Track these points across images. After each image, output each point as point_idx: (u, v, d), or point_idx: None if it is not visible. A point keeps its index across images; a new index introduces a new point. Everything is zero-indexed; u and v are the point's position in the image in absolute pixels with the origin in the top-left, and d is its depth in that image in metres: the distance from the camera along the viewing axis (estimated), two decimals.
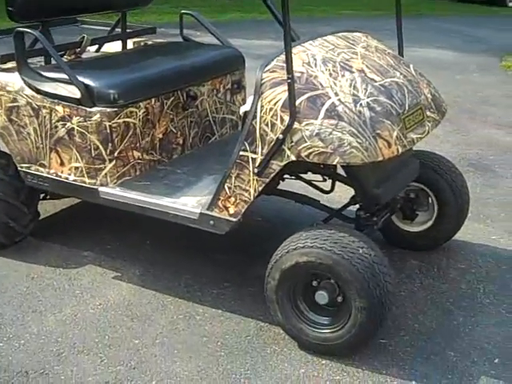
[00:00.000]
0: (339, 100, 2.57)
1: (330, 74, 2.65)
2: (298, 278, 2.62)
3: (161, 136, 3.25)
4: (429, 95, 2.99)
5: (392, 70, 2.91)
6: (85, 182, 3.07)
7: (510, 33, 11.02)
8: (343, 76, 2.68)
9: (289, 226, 3.60)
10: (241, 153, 2.66)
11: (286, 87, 2.53)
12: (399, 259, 3.37)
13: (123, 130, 3.03)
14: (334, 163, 2.55)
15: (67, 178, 3.11)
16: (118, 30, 3.89)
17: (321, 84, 2.59)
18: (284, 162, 2.58)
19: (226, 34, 4.00)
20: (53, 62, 3.35)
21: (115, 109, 2.98)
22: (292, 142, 2.54)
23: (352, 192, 3.10)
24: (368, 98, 2.64)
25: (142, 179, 3.12)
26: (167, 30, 8.31)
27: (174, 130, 3.33)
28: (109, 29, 3.92)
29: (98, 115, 2.97)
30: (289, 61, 2.47)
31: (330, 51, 2.82)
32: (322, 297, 2.60)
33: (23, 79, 3.11)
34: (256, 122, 2.60)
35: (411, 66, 3.10)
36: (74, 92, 2.99)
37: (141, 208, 2.96)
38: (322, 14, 12.60)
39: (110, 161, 3.02)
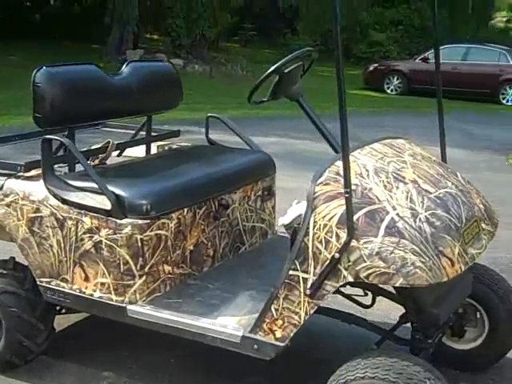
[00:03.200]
0: (398, 215, 2.38)
1: (385, 186, 2.48)
2: None
3: (192, 248, 3.04)
4: (481, 205, 2.82)
5: (443, 179, 2.75)
6: (112, 300, 2.82)
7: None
8: (397, 188, 2.51)
9: (331, 344, 3.35)
10: (290, 272, 2.44)
11: (341, 201, 2.35)
12: (449, 380, 3.09)
13: (155, 244, 2.82)
14: (397, 285, 2.33)
15: (92, 295, 2.86)
16: (142, 132, 3.74)
17: (377, 197, 2.41)
18: (340, 283, 2.36)
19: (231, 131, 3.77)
20: (77, 168, 3.18)
21: (147, 221, 2.78)
22: (349, 261, 2.33)
23: (396, 307, 2.88)
24: (426, 211, 2.46)
25: (173, 296, 2.88)
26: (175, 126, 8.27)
27: (204, 240, 3.12)
28: (131, 131, 3.78)
29: (129, 228, 2.76)
30: (346, 173, 2.30)
31: (380, 160, 2.66)
32: None
33: (48, 188, 2.92)
34: (308, 239, 2.40)
35: (458, 173, 2.95)
36: (103, 202, 2.79)
37: (174, 329, 2.71)
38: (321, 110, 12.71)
39: (140, 276, 2.79)
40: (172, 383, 3.09)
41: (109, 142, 3.42)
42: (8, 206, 2.99)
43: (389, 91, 17.16)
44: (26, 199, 2.95)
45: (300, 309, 2.44)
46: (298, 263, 2.42)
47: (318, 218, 2.38)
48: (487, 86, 15.55)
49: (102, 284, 2.84)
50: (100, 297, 2.85)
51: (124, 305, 2.80)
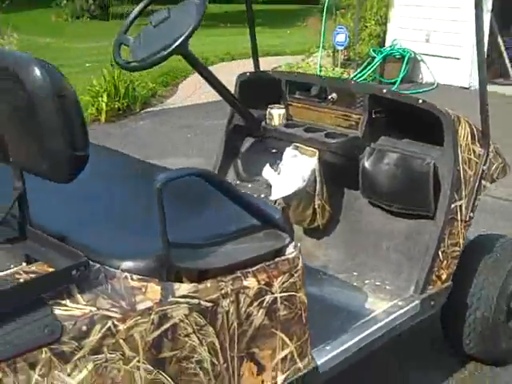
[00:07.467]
0: None
1: None
2: None
3: None
4: None
5: None
6: (299, 369, 1.86)
7: None
8: None
9: None
10: (452, 205, 2.31)
11: (464, 118, 2.37)
12: None
13: None
14: None
15: None
16: None
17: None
18: (481, 195, 2.44)
19: None
20: None
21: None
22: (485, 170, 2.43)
23: None
24: None
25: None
26: None
27: None
28: None
29: (296, 252, 1.83)
30: (484, 82, 2.32)
31: None
32: None
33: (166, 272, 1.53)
34: (459, 166, 2.32)
35: None
36: (270, 236, 1.75)
37: (369, 345, 2.12)
38: None
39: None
40: None
41: None
42: (99, 346, 1.40)
43: None
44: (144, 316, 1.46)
45: (459, 237, 2.38)
46: (455, 194, 2.32)
47: (461, 140, 2.32)
48: None
49: (284, 360, 1.81)
50: (285, 378, 1.82)
51: (312, 366, 1.91)
